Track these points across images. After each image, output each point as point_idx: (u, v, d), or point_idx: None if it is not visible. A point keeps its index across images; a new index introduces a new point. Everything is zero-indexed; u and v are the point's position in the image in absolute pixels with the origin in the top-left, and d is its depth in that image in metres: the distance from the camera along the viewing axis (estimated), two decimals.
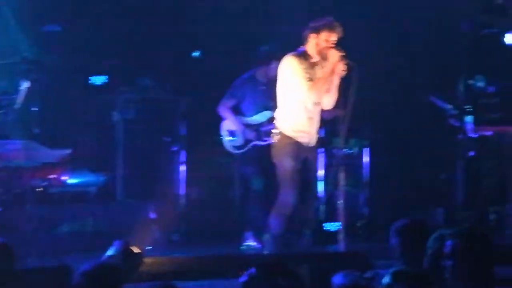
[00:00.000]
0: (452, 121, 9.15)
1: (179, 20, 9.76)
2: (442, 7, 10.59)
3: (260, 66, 8.37)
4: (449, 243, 4.17)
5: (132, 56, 9.56)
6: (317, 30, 7.17)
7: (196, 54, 9.77)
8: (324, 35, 7.14)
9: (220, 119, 8.59)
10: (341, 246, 7.62)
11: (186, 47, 9.77)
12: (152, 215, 8.49)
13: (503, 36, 10.33)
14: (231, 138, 8.51)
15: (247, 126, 8.40)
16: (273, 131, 7.43)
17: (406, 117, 10.49)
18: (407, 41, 10.55)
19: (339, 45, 7.21)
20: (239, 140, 8.45)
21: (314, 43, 7.18)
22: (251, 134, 8.36)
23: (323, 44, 7.14)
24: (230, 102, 8.47)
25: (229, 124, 8.52)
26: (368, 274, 4.77)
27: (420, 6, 10.60)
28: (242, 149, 8.44)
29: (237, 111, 8.49)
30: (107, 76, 9.37)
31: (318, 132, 7.57)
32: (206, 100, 9.37)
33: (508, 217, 8.69)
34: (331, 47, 7.11)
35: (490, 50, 10.40)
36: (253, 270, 3.91)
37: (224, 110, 8.51)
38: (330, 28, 7.13)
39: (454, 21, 10.45)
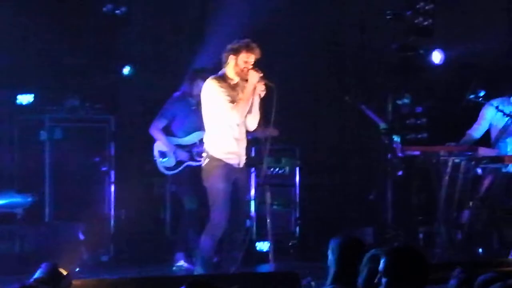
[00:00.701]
0: (383, 139, 9.26)
1: (109, 38, 9.67)
2: (371, 28, 10.75)
3: (190, 86, 8.36)
4: (383, 260, 4.19)
5: (60, 75, 9.42)
6: (235, 51, 7.21)
7: (126, 70, 9.67)
8: (242, 56, 7.18)
9: (151, 139, 8.52)
10: (271, 266, 7.61)
11: (115, 65, 9.67)
12: (81, 236, 8.37)
13: (430, 57, 10.53)
14: (162, 159, 8.45)
15: (179, 147, 8.36)
16: (202, 154, 7.41)
17: (336, 136, 10.60)
18: (337, 61, 10.67)
19: (261, 65, 7.24)
20: (171, 161, 8.41)
21: (233, 64, 7.22)
22: (183, 155, 8.33)
23: (242, 65, 7.18)
24: (161, 123, 8.44)
25: (160, 145, 8.47)
26: None
27: (350, 25, 10.76)
28: (174, 170, 8.41)
29: (168, 131, 8.45)
30: (33, 95, 9.21)
31: (248, 152, 7.57)
32: (135, 120, 9.32)
33: (436, 235, 8.80)
34: (250, 68, 7.15)
35: (418, 71, 10.59)
36: None
37: (155, 131, 8.46)
38: (248, 49, 7.18)
39: (382, 42, 10.61)
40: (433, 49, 10.41)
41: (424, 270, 4.19)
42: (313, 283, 5.26)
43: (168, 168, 8.46)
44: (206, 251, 7.29)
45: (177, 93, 8.51)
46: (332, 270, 4.95)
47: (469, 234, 8.59)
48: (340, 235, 5.12)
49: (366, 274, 4.54)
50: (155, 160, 8.54)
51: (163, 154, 8.47)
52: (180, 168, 8.38)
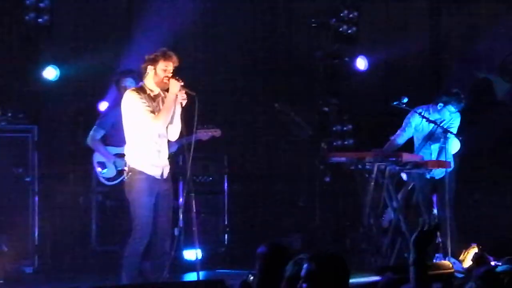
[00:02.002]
0: (310, 146, 9.34)
1: (32, 46, 9.52)
2: (298, 34, 10.83)
3: (117, 88, 8.26)
4: (305, 266, 4.20)
5: None
6: (153, 61, 7.17)
7: (51, 72, 9.51)
8: (160, 65, 7.14)
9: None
10: (199, 274, 7.57)
11: (37, 72, 9.52)
12: (4, 248, 8.20)
13: (355, 64, 10.66)
14: (102, 170, 8.33)
15: (119, 156, 8.20)
16: (124, 167, 7.33)
17: (264, 143, 10.63)
18: (264, 67, 10.71)
19: (185, 72, 7.22)
20: (111, 172, 8.28)
21: (152, 74, 7.18)
22: (123, 164, 8.18)
23: (162, 74, 7.14)
24: (99, 134, 8.31)
25: (99, 156, 8.35)
26: None
27: (278, 31, 10.82)
28: (115, 180, 8.28)
29: (106, 141, 8.31)
30: None
31: (175, 161, 7.51)
32: (59, 128, 9.18)
33: (363, 240, 8.88)
34: (170, 77, 7.12)
35: (343, 78, 10.71)
36: None
37: (93, 142, 8.34)
38: (165, 57, 7.15)
39: (309, 49, 10.70)
40: (357, 56, 10.55)
41: (345, 276, 4.22)
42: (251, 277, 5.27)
43: (108, 179, 8.34)
44: (131, 260, 7.21)
45: (109, 104, 8.41)
46: (256, 278, 4.95)
47: (393, 238, 8.70)
48: (265, 243, 5.12)
49: (288, 278, 4.55)
50: (95, 171, 8.41)
51: (102, 165, 8.34)
52: (121, 178, 8.23)
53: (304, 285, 4.15)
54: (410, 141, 9.00)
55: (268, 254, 5.01)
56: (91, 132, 8.34)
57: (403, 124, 8.95)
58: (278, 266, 4.90)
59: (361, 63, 10.56)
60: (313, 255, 4.32)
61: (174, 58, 7.16)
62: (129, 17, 10.12)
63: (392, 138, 8.95)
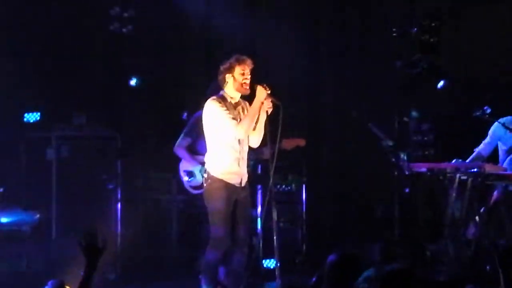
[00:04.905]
0: (390, 156, 9.25)
1: (116, 55, 9.70)
2: (378, 45, 10.78)
3: None
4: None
5: (66, 92, 9.44)
6: (229, 69, 7.22)
7: (133, 82, 9.68)
8: (237, 70, 7.21)
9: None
10: (278, 283, 7.57)
11: (122, 82, 9.69)
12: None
13: (435, 74, 10.52)
14: (189, 178, 8.39)
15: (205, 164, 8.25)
16: (204, 175, 7.38)
17: (343, 153, 10.59)
18: (343, 77, 10.69)
19: (264, 82, 7.24)
20: (198, 180, 8.32)
21: (231, 81, 7.23)
22: None
23: (241, 79, 7.19)
24: (186, 142, 8.35)
25: (186, 164, 8.41)
26: None
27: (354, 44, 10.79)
28: (202, 188, 8.32)
29: (193, 150, 8.39)
30: (40, 113, 9.23)
31: (255, 170, 7.52)
32: (142, 136, 9.31)
33: (443, 252, 8.76)
34: (256, 84, 7.15)
35: (423, 88, 10.59)
36: None
37: (180, 150, 8.37)
38: (240, 62, 7.21)
39: (388, 59, 10.62)
40: (439, 65, 10.43)
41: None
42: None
43: (194, 188, 8.38)
44: (210, 267, 7.27)
45: (199, 112, 8.50)
46: (324, 284, 4.95)
47: (476, 251, 8.55)
48: (334, 252, 5.11)
49: None
50: (181, 179, 8.48)
51: (190, 174, 8.39)
52: None
53: None
54: (495, 153, 8.84)
55: (337, 262, 5.00)
56: (179, 140, 8.36)
57: (488, 135, 8.81)
58: (347, 275, 4.90)
59: (441, 83, 10.41)
60: (386, 274, 4.30)
61: (249, 61, 7.21)
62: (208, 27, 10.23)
63: (477, 149, 8.82)
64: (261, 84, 7.18)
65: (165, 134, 9.12)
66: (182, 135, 8.38)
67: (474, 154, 8.81)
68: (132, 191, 9.28)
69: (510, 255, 4.30)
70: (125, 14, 9.50)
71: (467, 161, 8.72)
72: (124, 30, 9.54)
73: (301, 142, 8.41)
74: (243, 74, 7.20)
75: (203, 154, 7.96)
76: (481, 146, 8.82)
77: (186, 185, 8.43)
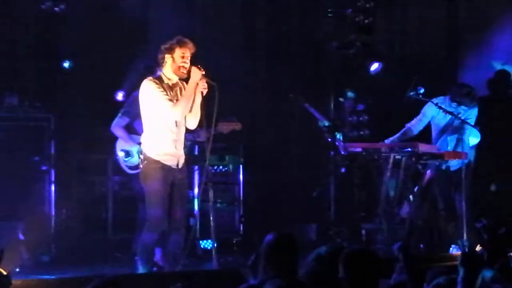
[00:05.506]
0: (326, 136, 9.32)
1: (48, 35, 9.53)
2: (313, 26, 10.82)
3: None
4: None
5: None
6: (169, 50, 7.17)
7: (66, 65, 9.54)
8: (177, 52, 7.16)
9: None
10: (215, 263, 7.58)
11: (55, 63, 9.54)
12: (21, 236, 8.23)
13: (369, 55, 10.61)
14: (126, 158, 8.30)
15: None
16: (140, 156, 7.32)
17: (279, 134, 10.62)
18: (279, 58, 10.70)
19: (198, 63, 7.22)
20: (135, 160, 8.22)
21: (170, 62, 7.18)
22: None
23: (180, 61, 7.15)
24: (123, 121, 8.24)
25: (123, 143, 8.31)
26: None
27: (289, 25, 10.81)
28: (138, 169, 8.23)
29: (131, 129, 8.28)
30: None
31: (191, 151, 7.49)
32: (76, 117, 9.18)
33: (378, 232, 8.88)
34: (191, 65, 7.11)
35: (358, 68, 10.67)
36: None
37: (117, 129, 8.27)
38: (181, 44, 7.16)
39: (324, 40, 10.68)
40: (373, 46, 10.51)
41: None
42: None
43: (132, 167, 8.28)
44: (146, 249, 7.24)
45: (137, 91, 8.40)
46: (261, 264, 4.99)
47: (410, 229, 8.68)
48: (271, 232, 5.13)
49: (310, 273, 4.61)
50: (117, 158, 8.39)
51: (127, 153, 8.30)
52: None
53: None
54: (428, 132, 8.97)
55: (274, 242, 5.03)
56: (116, 119, 8.26)
57: (420, 113, 8.93)
58: (284, 255, 4.94)
59: (375, 66, 10.49)
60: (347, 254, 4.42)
61: (190, 45, 7.18)
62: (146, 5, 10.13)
63: (408, 125, 8.93)
64: (195, 65, 7.14)
65: (99, 115, 9.01)
66: (119, 114, 8.29)
67: (404, 129, 8.93)
68: (66, 172, 9.16)
69: (472, 256, 4.44)
70: None
71: (397, 135, 8.83)
72: (56, 9, 9.39)
73: (237, 126, 8.40)
74: (182, 57, 7.16)
75: (141, 134, 7.90)
76: (412, 122, 8.94)
77: (123, 165, 8.36)
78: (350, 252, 4.57)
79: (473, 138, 8.76)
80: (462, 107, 8.70)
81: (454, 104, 8.70)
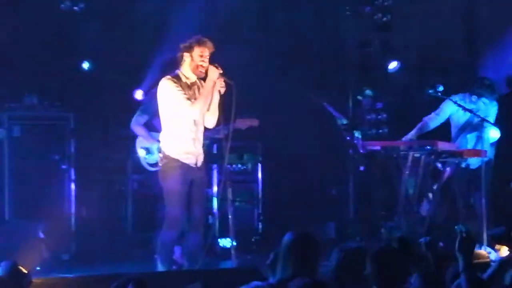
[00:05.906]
0: (344, 135, 9.30)
1: (68, 34, 9.58)
2: (331, 24, 10.80)
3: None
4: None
5: (18, 72, 9.31)
6: (188, 49, 7.19)
7: (86, 66, 9.59)
8: (196, 51, 7.17)
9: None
10: (234, 262, 7.60)
11: (74, 62, 9.59)
12: (41, 235, 8.27)
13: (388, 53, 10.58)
14: (146, 155, 8.33)
15: None
16: (159, 155, 7.34)
17: (298, 132, 10.61)
18: (298, 56, 10.69)
19: (220, 61, 7.23)
20: (154, 157, 8.24)
21: (189, 61, 7.20)
22: None
23: (198, 60, 7.16)
24: (143, 119, 8.25)
25: (143, 141, 8.33)
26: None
27: (311, 21, 10.80)
28: (158, 166, 8.25)
29: (150, 127, 8.31)
30: None
31: (209, 149, 7.50)
32: (95, 116, 9.22)
33: (397, 229, 8.85)
34: (208, 64, 7.13)
35: (377, 66, 10.65)
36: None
37: (137, 127, 8.28)
38: (200, 43, 7.18)
39: (342, 38, 10.67)
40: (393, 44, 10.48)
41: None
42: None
43: (152, 165, 8.29)
44: (165, 247, 7.26)
45: (155, 89, 8.42)
46: (280, 263, 4.99)
47: (429, 227, 8.65)
48: (290, 231, 5.13)
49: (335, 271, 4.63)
50: (137, 156, 8.40)
51: (147, 150, 8.33)
52: None
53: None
54: (448, 130, 8.93)
55: (293, 241, 5.03)
56: (135, 117, 8.27)
57: (438, 109, 8.90)
58: (302, 254, 4.94)
59: (393, 65, 10.46)
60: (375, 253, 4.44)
61: (209, 44, 7.19)
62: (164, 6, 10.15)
63: (425, 118, 8.89)
64: (212, 64, 7.16)
65: (118, 114, 9.05)
66: (138, 112, 8.30)
67: (421, 122, 8.88)
68: (86, 171, 9.21)
69: (470, 241, 4.41)
70: None
71: (413, 131, 8.79)
72: (76, 8, 9.44)
73: (254, 122, 8.41)
74: (201, 56, 7.17)
75: (160, 131, 7.91)
76: (430, 115, 8.90)
77: (143, 162, 8.38)
78: (381, 250, 4.57)
79: (493, 135, 8.72)
80: (483, 99, 8.65)
81: (474, 97, 8.66)
